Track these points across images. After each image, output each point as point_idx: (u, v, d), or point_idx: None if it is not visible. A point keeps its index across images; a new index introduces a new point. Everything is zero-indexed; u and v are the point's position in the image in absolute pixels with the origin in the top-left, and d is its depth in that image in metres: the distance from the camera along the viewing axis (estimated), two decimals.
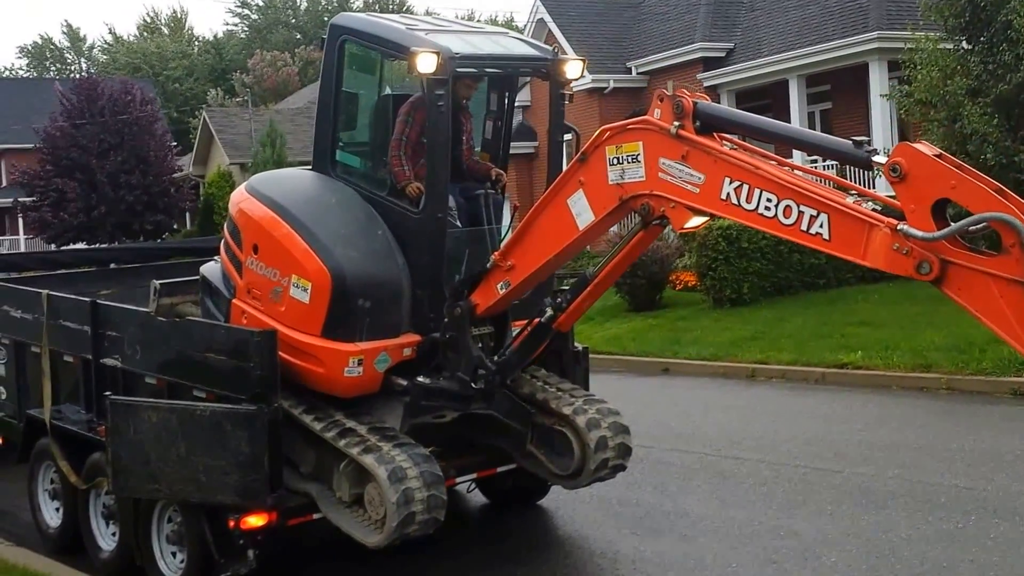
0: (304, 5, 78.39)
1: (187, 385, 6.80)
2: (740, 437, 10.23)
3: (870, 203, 4.78)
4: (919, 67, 16.72)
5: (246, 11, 77.76)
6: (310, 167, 7.02)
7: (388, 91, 7.03)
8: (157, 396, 6.98)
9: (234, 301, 6.90)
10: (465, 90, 6.78)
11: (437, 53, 6.08)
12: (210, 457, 6.36)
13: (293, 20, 77.48)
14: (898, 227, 4.46)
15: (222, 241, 7.17)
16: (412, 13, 71.40)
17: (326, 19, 78.77)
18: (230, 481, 6.31)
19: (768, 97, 25.23)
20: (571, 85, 6.79)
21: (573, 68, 6.71)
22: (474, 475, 7.49)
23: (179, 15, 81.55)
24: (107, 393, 7.02)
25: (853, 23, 22.39)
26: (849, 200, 4.77)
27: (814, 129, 24.56)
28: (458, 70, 6.30)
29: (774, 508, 7.92)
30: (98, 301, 7.78)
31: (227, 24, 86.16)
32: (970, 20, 16.57)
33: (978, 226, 4.28)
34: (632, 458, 7.36)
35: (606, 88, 26.98)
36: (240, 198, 7.00)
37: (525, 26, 31.99)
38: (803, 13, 24.34)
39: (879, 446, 9.44)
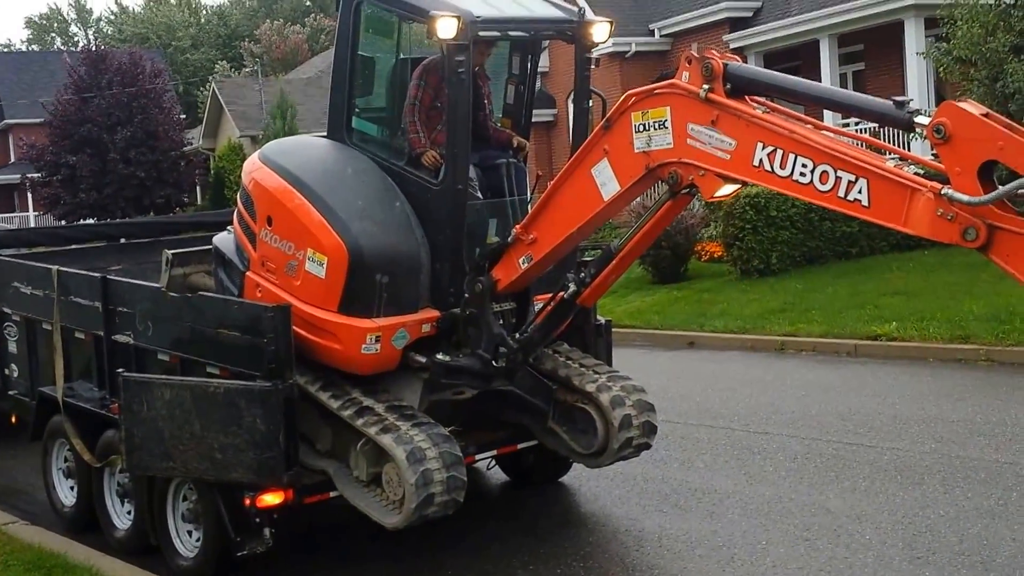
0: None
1: (201, 362, 6.64)
2: (769, 412, 9.98)
3: (911, 166, 4.51)
4: (959, 23, 16.22)
5: None
6: (325, 135, 6.80)
7: (407, 55, 6.77)
8: (170, 373, 6.84)
9: (248, 274, 6.71)
10: (480, 55, 6.53)
11: (458, 17, 5.82)
12: (225, 435, 6.21)
13: None
14: (942, 191, 4.20)
15: (235, 212, 6.98)
16: None
17: None
18: (245, 459, 6.16)
19: (798, 58, 24.68)
20: (597, 48, 6.52)
21: (600, 30, 6.44)
22: (494, 452, 7.31)
23: None
24: (120, 370, 6.91)
25: None
26: (889, 164, 4.50)
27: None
28: (480, 34, 6.05)
29: (805, 484, 7.69)
30: (109, 276, 7.62)
31: None
32: None
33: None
34: (658, 434, 7.15)
35: (628, 52, 26.30)
36: (253, 167, 6.78)
37: None
38: None
39: (914, 420, 9.17)
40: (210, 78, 51.98)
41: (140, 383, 6.63)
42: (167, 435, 6.43)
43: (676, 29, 26.37)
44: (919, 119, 4.42)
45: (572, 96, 6.65)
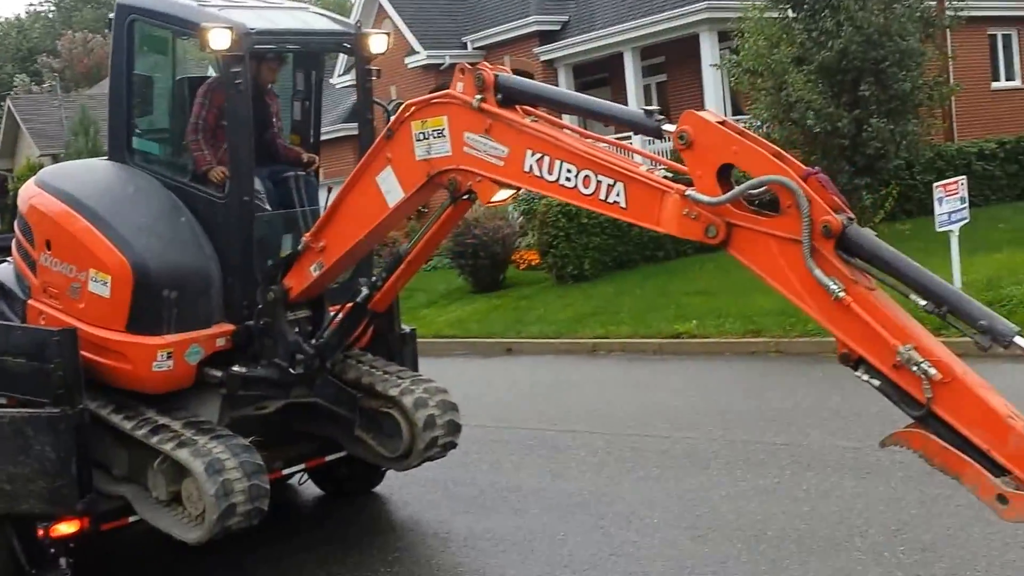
0: None
1: None
2: (577, 411, 10.37)
3: (663, 171, 4.86)
4: (746, 36, 17.22)
5: None
6: (106, 157, 6.73)
7: (186, 74, 6.78)
8: None
9: (30, 302, 6.59)
10: (269, 73, 6.61)
11: (231, 28, 5.89)
12: (13, 465, 6.08)
13: None
14: (686, 192, 4.55)
15: (13, 240, 6.81)
16: None
17: None
18: (36, 489, 6.04)
19: (606, 70, 25.57)
20: (376, 59, 6.70)
21: (377, 42, 6.61)
22: (303, 466, 7.35)
23: None
24: None
25: None
26: (643, 169, 4.84)
27: (651, 102, 25.14)
28: (256, 47, 6.13)
29: (603, 477, 8.06)
30: None
31: (31, 4, 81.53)
32: None
33: (759, 189, 4.38)
34: (469, 439, 7.36)
35: (442, 64, 26.54)
36: (30, 193, 6.66)
37: (355, 3, 31.29)
38: None
39: (708, 411, 9.71)
40: (7, 94, 49.41)
41: None
42: None
43: (488, 42, 26.86)
44: (666, 127, 4.75)
45: (354, 107, 6.80)
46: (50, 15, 73.37)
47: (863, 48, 16.26)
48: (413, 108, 5.62)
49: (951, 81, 20.17)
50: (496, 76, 5.30)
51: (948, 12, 18.99)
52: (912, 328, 4.22)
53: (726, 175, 4.52)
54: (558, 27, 25.80)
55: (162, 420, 6.21)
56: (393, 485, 8.21)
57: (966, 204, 12.52)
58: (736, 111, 21.03)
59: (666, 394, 10.76)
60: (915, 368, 4.08)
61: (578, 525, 7.02)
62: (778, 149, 4.46)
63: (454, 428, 7.09)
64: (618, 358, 13.34)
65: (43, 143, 37.37)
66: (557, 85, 25.61)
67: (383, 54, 6.70)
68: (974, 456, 4.04)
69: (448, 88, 5.45)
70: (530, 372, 13.24)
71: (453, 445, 7.18)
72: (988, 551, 5.76)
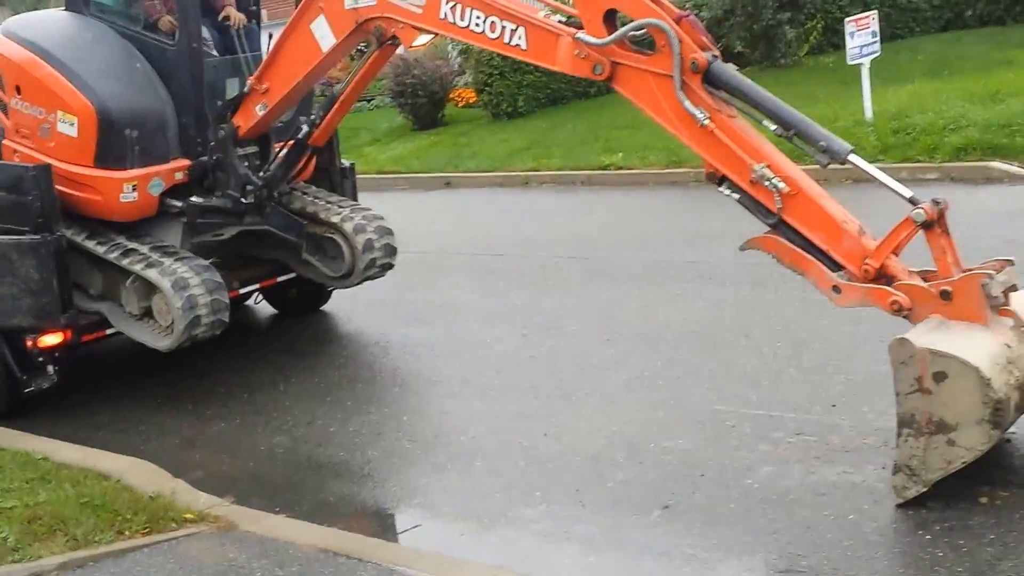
0: None
1: None
2: (508, 238, 11.28)
3: (558, 16, 5.62)
4: None
5: None
6: (64, 8, 7.30)
7: None
8: None
9: (4, 142, 7.26)
10: None
11: None
12: (2, 286, 6.89)
13: None
14: (576, 35, 5.33)
15: None
16: None
17: None
18: (23, 306, 6.89)
19: None
20: None
21: None
22: (257, 286, 8.25)
23: None
24: None
25: None
26: (541, 15, 5.60)
27: None
28: None
29: (528, 293, 9.04)
30: None
31: None
32: None
33: (638, 31, 5.18)
34: (407, 263, 8.22)
35: None
36: None
37: None
38: None
39: (628, 236, 10.66)
40: None
41: None
42: None
43: None
44: None
45: None
46: None
47: None
48: None
49: None
50: None
51: None
52: (766, 149, 5.14)
53: (612, 19, 5.31)
54: None
55: (131, 244, 7.03)
56: (338, 306, 9.15)
57: (877, 38, 13.06)
58: None
59: (589, 221, 11.69)
60: (767, 183, 5.02)
61: (505, 332, 8.00)
62: None
63: (391, 251, 7.98)
64: (549, 190, 14.20)
65: None
66: None
67: None
68: (817, 255, 5.02)
69: None
70: (466, 204, 14.11)
71: (390, 266, 8.10)
72: (852, 345, 6.73)
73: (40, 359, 6.98)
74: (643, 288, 8.72)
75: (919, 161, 11.27)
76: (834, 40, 19.83)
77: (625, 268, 9.40)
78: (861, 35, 12.77)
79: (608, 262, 9.67)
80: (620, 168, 14.01)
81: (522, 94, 18.43)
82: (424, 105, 19.31)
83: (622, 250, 10.07)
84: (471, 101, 19.98)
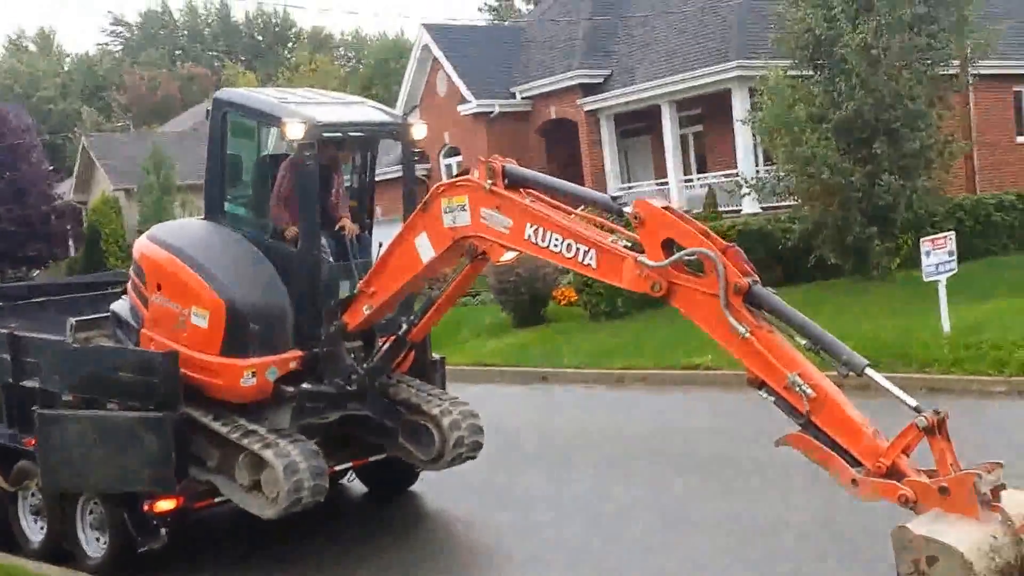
0: (182, 19, 78.42)
1: (101, 400, 8.13)
2: (586, 429, 11.92)
3: (623, 241, 6.44)
4: (766, 95, 18.70)
5: (120, 28, 77.21)
6: (203, 217, 8.52)
7: (267, 152, 8.51)
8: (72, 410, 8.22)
9: (143, 331, 8.33)
10: (347, 155, 8.33)
11: (305, 122, 7.60)
12: (127, 455, 7.80)
13: (162, 32, 76.84)
14: (638, 258, 6.12)
15: (129, 282, 8.62)
16: (294, 36, 75.87)
17: (206, 33, 79.38)
18: (144, 474, 7.76)
19: (645, 120, 27.15)
20: (418, 143, 8.42)
21: (418, 130, 8.29)
22: (350, 464, 9.02)
23: (47, 32, 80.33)
24: (34, 408, 8.31)
25: (716, 52, 24.42)
26: (610, 239, 6.43)
27: (688, 152, 26.74)
28: (324, 135, 7.83)
29: (603, 482, 9.60)
30: (16, 332, 8.94)
31: (99, 44, 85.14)
32: (813, 52, 18.61)
33: (690, 257, 5.95)
34: (494, 447, 8.90)
35: (492, 112, 28.41)
36: (143, 245, 8.50)
37: (412, 51, 32.69)
38: (670, 44, 26.42)
39: (703, 431, 11.24)
40: (75, 129, 51.40)
41: (55, 417, 8.15)
42: (77, 458, 7.98)
43: (535, 92, 28.63)
44: (626, 209, 6.34)
45: (402, 182, 8.50)
46: (116, 55, 76.65)
47: (875, 110, 17.64)
48: (442, 188, 7.28)
49: (972, 136, 21.38)
50: (504, 166, 6.93)
51: (971, 72, 20.27)
52: (798, 359, 5.79)
53: (669, 246, 6.10)
54: (600, 80, 27.45)
55: (251, 427, 7.86)
56: (425, 486, 9.84)
57: (954, 257, 13.50)
58: (768, 159, 22.29)
59: (669, 418, 12.26)
60: (798, 389, 5.64)
61: (577, 521, 8.55)
62: (706, 228, 6.04)
63: (477, 446, 8.69)
64: (639, 387, 14.81)
65: (116, 178, 39.32)
66: (599, 134, 27.34)
67: (423, 139, 8.39)
68: (840, 453, 5.58)
69: (468, 175, 7.12)
70: (559, 397, 14.80)
71: (473, 457, 8.77)
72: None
73: (154, 522, 7.80)
74: (708, 480, 9.21)
75: (988, 374, 11.54)
76: None
77: (694, 462, 9.89)
78: (937, 253, 13.12)
79: (679, 456, 10.17)
80: (709, 368, 14.56)
81: (621, 295, 19.25)
82: (525, 302, 20.29)
83: (693, 445, 10.59)
84: (572, 300, 20.91)
